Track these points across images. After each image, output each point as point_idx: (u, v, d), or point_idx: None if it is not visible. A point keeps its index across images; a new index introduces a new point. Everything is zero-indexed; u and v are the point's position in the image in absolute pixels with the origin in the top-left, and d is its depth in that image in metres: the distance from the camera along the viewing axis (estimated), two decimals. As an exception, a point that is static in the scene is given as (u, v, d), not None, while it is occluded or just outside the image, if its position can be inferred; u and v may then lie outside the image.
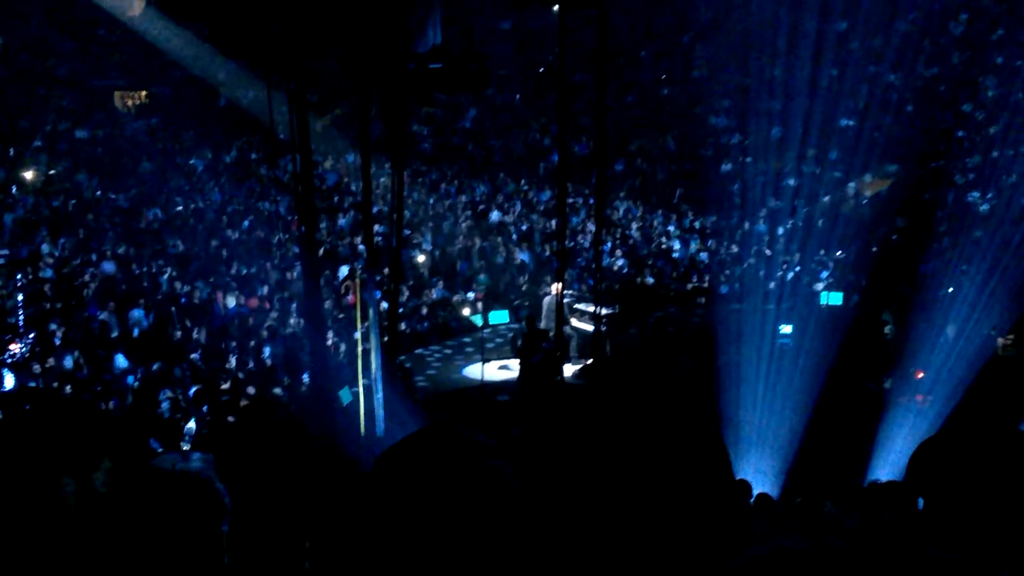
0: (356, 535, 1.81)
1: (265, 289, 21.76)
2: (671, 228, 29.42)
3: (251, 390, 16.59)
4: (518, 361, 18.75)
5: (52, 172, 27.11)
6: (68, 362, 16.57)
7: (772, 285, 24.05)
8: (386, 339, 15.84)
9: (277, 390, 16.95)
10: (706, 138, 32.84)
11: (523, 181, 31.97)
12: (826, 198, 29.16)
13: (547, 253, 26.25)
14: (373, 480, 1.86)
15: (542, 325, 20.04)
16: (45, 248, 21.71)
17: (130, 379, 16.48)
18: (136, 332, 18.68)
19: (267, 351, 18.54)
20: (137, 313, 19.16)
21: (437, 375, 20.77)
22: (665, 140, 34.19)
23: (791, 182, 29.62)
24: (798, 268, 25.26)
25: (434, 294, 23.87)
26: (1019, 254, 20.70)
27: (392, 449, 1.93)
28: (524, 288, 25.21)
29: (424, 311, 23.19)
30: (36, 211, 24.29)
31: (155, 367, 16.86)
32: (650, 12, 37.51)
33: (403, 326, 20.97)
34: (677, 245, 28.28)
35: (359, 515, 1.84)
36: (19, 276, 19.55)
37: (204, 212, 26.01)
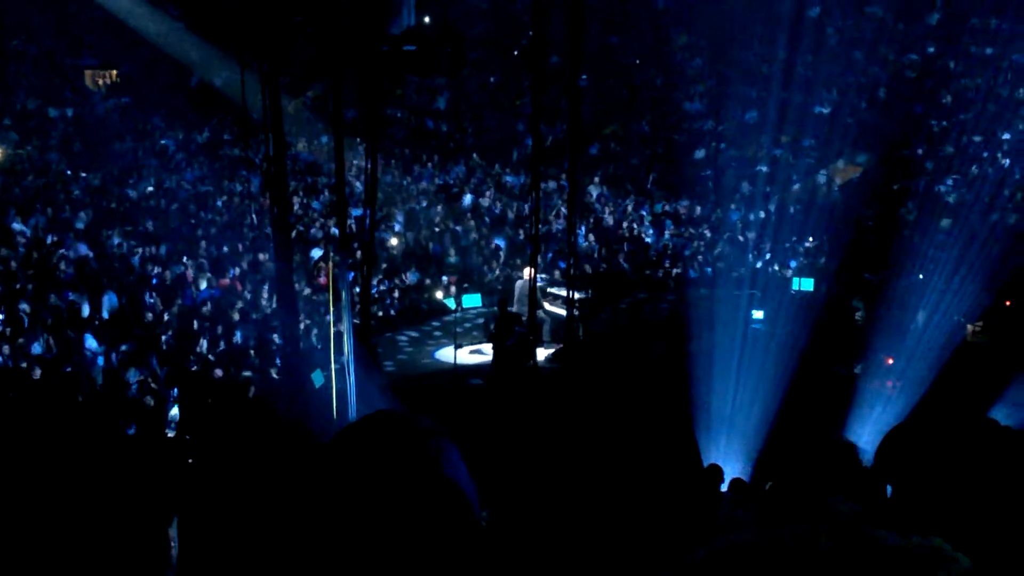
0: (297, 516, 1.80)
1: (236, 271, 21.64)
2: (643, 213, 29.43)
3: (222, 372, 16.52)
4: (491, 345, 18.75)
5: (21, 151, 26.85)
6: (37, 345, 16.44)
7: (744, 271, 24.16)
8: (358, 322, 15.80)
9: (248, 372, 16.87)
10: (680, 123, 32.91)
11: (496, 164, 31.90)
12: (798, 185, 29.28)
13: (520, 237, 26.22)
14: (317, 469, 1.86)
15: (514, 309, 20.03)
16: (16, 227, 21.51)
17: (100, 361, 16.37)
18: (107, 314, 18.54)
19: (238, 333, 18.47)
20: (110, 296, 19.02)
21: (409, 359, 20.73)
22: (639, 125, 34.17)
23: (763, 168, 29.72)
24: (770, 254, 25.37)
25: (408, 278, 23.80)
26: (989, 242, 20.87)
27: (337, 436, 1.93)
28: (497, 272, 25.19)
29: (397, 294, 23.13)
30: (5, 190, 24.05)
31: (124, 348, 16.75)
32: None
33: (375, 309, 20.93)
34: (650, 230, 28.31)
35: (302, 499, 1.82)
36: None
37: (176, 192, 25.83)
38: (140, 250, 21.59)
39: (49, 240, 21.39)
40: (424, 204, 28.19)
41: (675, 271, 25.86)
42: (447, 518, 1.74)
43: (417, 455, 1.83)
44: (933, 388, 15.96)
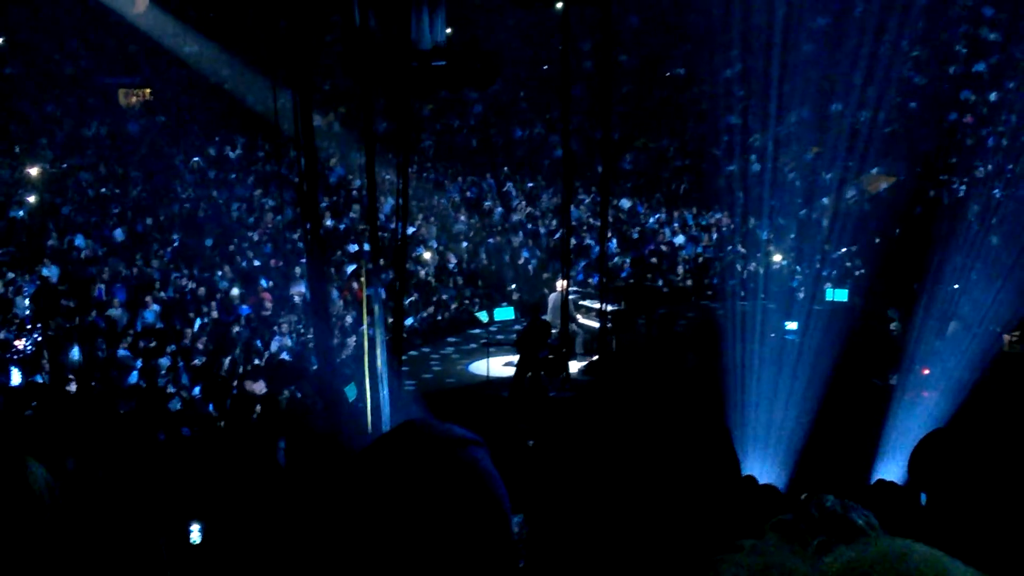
0: (332, 532, 1.81)
1: (270, 284, 21.78)
2: (675, 225, 29.38)
3: (257, 386, 16.60)
4: (518, 352, 18.72)
5: (55, 170, 27.15)
6: (75, 358, 16.61)
7: (777, 281, 24.04)
8: (391, 335, 15.86)
9: (283, 386, 16.95)
10: (714, 136, 32.81)
11: (526, 178, 31.96)
12: (832, 195, 29.12)
13: (551, 246, 26.25)
14: (348, 481, 1.87)
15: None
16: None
17: (134, 376, 16.49)
18: (140, 327, 18.71)
19: (273, 346, 18.57)
20: (150, 311, 19.20)
21: (443, 371, 20.77)
22: (673, 137, 34.14)
23: (795, 179, 29.60)
24: (804, 264, 25.25)
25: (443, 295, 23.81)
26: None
27: (366, 449, 1.93)
28: (531, 285, 25.20)
29: (431, 309, 23.18)
30: (41, 207, 24.33)
31: (161, 361, 16.88)
32: (656, 9, 37.54)
33: (409, 321, 20.99)
34: (682, 241, 28.25)
35: (336, 513, 1.84)
36: (26, 273, 19.63)
37: (209, 208, 26.03)
38: (175, 264, 21.79)
39: (85, 256, 21.62)
40: (456, 218, 28.26)
41: (707, 282, 25.79)
42: (482, 527, 1.75)
43: (450, 464, 1.85)
44: (970, 398, 15.80)
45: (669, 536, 1.90)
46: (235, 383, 16.62)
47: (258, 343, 18.67)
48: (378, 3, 14.27)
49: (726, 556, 1.08)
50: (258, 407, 15.31)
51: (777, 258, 25.73)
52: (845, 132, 29.83)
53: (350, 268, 23.24)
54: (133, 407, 14.95)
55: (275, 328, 19.45)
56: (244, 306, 20.55)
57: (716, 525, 1.94)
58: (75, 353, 16.69)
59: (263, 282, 21.76)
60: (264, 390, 15.86)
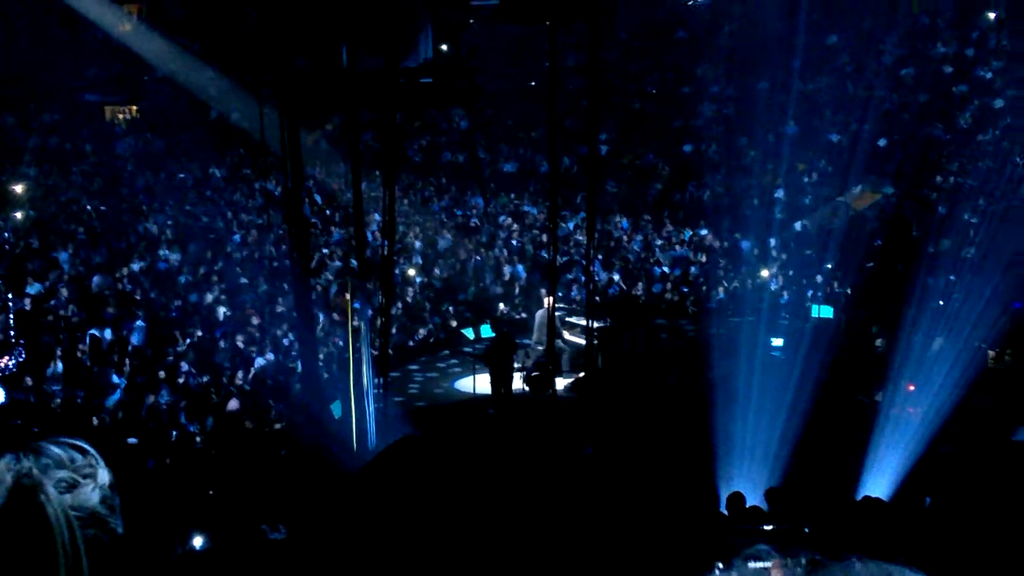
0: (337, 540, 1.81)
1: (255, 302, 21.72)
2: (660, 241, 29.43)
3: (242, 404, 16.55)
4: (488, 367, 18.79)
5: (41, 187, 27.07)
6: (56, 377, 16.55)
7: (763, 298, 24.08)
8: (377, 353, 15.84)
9: (268, 403, 16.91)
10: (696, 151, 32.93)
11: (513, 195, 32.00)
12: (818, 211, 29.25)
13: (538, 261, 26.25)
14: (353, 493, 1.86)
15: (534, 339, 20.05)
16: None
17: (117, 394, 16.41)
18: (128, 347, 18.65)
19: (258, 363, 18.51)
20: (136, 327, 19.15)
21: (428, 388, 20.73)
22: (655, 154, 34.23)
23: (781, 195, 29.72)
24: (789, 281, 25.31)
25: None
26: (1009, 266, 20.76)
27: (370, 464, 1.93)
28: (517, 302, 25.21)
29: (421, 331, 23.15)
30: (25, 225, 24.26)
31: (143, 380, 16.82)
32: (641, 26, 37.74)
33: (394, 339, 20.95)
34: (668, 259, 28.29)
35: (341, 521, 1.83)
36: (8, 293, 19.54)
37: (194, 226, 25.98)
38: (159, 283, 21.73)
39: (69, 273, 21.54)
40: (442, 235, 28.26)
41: (692, 298, 25.82)
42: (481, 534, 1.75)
43: (442, 476, 1.84)
44: (955, 414, 15.85)
45: (644, 551, 1.90)
46: (218, 401, 16.58)
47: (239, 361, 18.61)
48: (367, 21, 14.32)
49: None
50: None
51: (764, 274, 25.77)
52: (832, 149, 30.02)
53: (335, 287, 23.22)
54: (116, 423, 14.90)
55: (259, 347, 19.40)
56: (232, 321, 20.48)
57: (688, 541, 1.94)
58: (56, 372, 16.63)
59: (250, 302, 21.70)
60: (237, 408, 15.82)
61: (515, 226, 29.72)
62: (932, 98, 32.51)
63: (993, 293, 19.71)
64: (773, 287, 25.02)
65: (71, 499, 1.58)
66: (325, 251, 25.55)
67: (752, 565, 1.11)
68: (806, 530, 9.86)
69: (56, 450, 1.66)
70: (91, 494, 1.63)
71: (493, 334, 19.88)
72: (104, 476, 1.69)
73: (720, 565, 1.12)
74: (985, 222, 24.96)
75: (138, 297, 20.91)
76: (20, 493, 1.41)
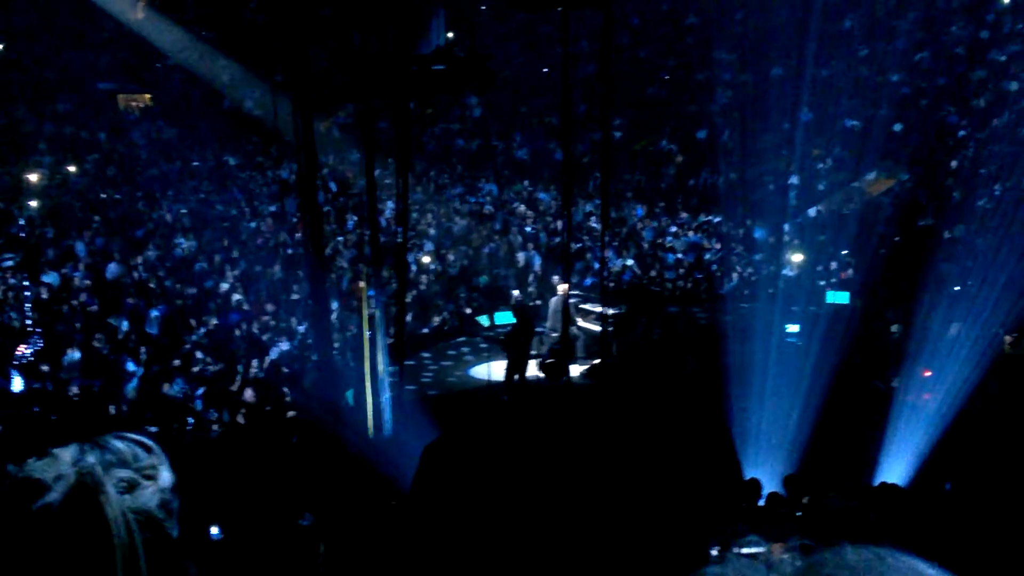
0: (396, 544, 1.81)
1: (271, 289, 21.77)
2: (673, 229, 29.38)
3: (257, 393, 16.59)
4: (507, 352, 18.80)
5: (58, 176, 27.16)
6: (74, 366, 16.60)
7: (778, 284, 24.02)
8: (392, 340, 15.85)
9: (284, 391, 16.95)
10: (709, 138, 32.83)
11: (527, 182, 31.99)
12: (832, 197, 29.14)
13: (550, 246, 26.23)
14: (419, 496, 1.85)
15: (548, 325, 20.04)
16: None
17: (134, 382, 16.46)
18: (144, 335, 18.71)
19: (274, 352, 18.55)
20: (152, 316, 19.20)
21: (443, 375, 20.75)
22: (668, 141, 34.17)
23: (795, 181, 29.62)
24: (804, 267, 25.23)
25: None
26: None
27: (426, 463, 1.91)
28: (531, 289, 25.19)
29: (435, 320, 23.17)
30: (40, 213, 24.35)
31: (158, 369, 16.88)
32: (655, 13, 37.64)
33: (409, 327, 20.97)
34: (683, 245, 28.25)
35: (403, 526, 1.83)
36: (26, 280, 19.62)
37: (209, 214, 26.04)
38: (175, 272, 21.79)
39: (85, 262, 21.62)
40: (455, 222, 28.26)
41: (706, 285, 25.77)
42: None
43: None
44: (971, 400, 15.80)
45: (662, 536, 1.90)
46: (235, 390, 16.62)
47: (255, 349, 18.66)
48: (380, 18, 14.28)
49: None
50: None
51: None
52: (847, 135, 29.89)
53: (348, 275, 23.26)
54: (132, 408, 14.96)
55: (274, 335, 19.44)
56: (247, 310, 20.53)
57: (712, 523, 1.93)
58: (73, 360, 16.69)
59: (265, 291, 21.75)
60: (253, 398, 15.85)
61: (529, 213, 29.70)
62: (947, 82, 32.33)
63: (1009, 278, 19.61)
64: (786, 274, 24.94)
65: (131, 500, 1.55)
66: (339, 239, 25.57)
67: (745, 552, 1.11)
68: (798, 514, 9.87)
69: (120, 446, 1.63)
70: (151, 496, 1.59)
71: (514, 320, 19.88)
72: (166, 478, 1.65)
73: (714, 554, 1.12)
74: (1001, 207, 24.84)
75: (153, 286, 20.96)
76: (81, 492, 1.39)
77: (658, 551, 1.91)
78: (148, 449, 1.66)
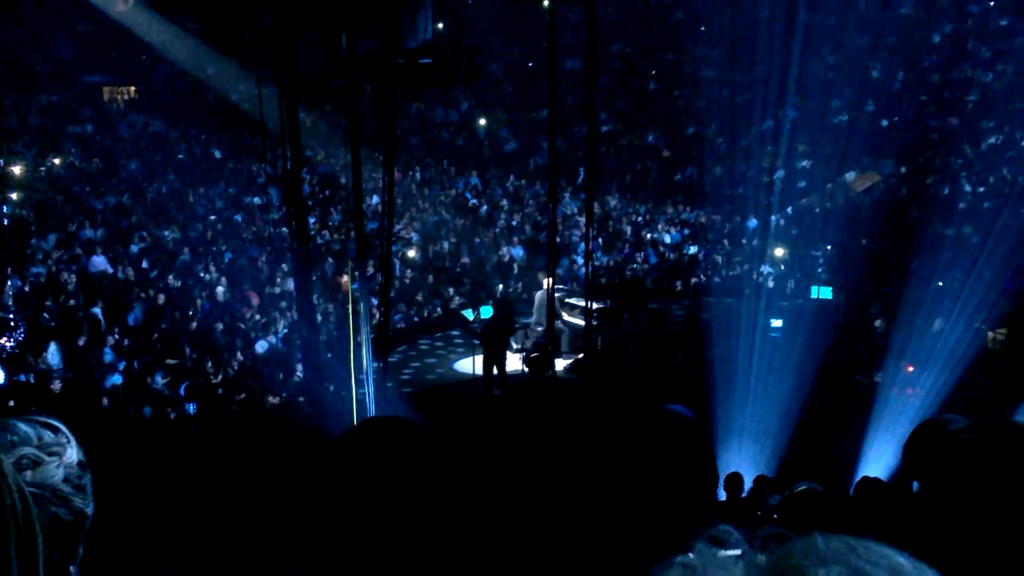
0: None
1: (255, 284, 21.72)
2: (660, 223, 29.43)
3: (242, 386, 16.56)
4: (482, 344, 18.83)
5: (42, 168, 27.02)
6: (55, 359, 16.52)
7: (762, 279, 24.08)
8: (377, 333, 15.84)
9: (268, 385, 16.91)
10: (696, 134, 32.87)
11: (512, 175, 31.99)
12: (815, 194, 29.22)
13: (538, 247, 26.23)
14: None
15: (534, 319, 20.04)
16: (42, 245, 21.64)
17: (117, 377, 16.39)
18: (127, 327, 18.63)
19: (258, 347, 18.51)
20: (136, 308, 19.12)
21: (427, 369, 20.75)
22: (654, 136, 34.20)
23: (780, 174, 29.68)
24: (788, 262, 25.29)
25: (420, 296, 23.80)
26: (1010, 247, 20.74)
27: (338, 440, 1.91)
28: (516, 283, 25.20)
29: (415, 306, 23.16)
30: (25, 207, 24.22)
31: (143, 361, 16.82)
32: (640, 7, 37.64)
33: (395, 319, 20.96)
34: (668, 240, 28.29)
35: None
36: (7, 273, 19.53)
37: (193, 206, 25.96)
38: (159, 264, 21.70)
39: (65, 255, 21.51)
40: (441, 216, 28.24)
41: (693, 280, 25.82)
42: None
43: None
44: (954, 395, 15.87)
45: (636, 529, 1.90)
46: (217, 383, 16.58)
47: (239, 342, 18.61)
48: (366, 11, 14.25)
49: (654, 573, 1.07)
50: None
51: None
52: (831, 130, 29.94)
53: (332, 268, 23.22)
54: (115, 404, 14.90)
55: (258, 327, 19.39)
56: (232, 302, 20.46)
57: (684, 519, 1.93)
58: (54, 352, 16.60)
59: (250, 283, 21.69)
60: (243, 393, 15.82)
61: (514, 206, 29.71)
62: (931, 80, 32.42)
63: (993, 274, 19.70)
64: (770, 269, 24.99)
65: (31, 475, 1.60)
66: (324, 232, 25.53)
67: (714, 547, 1.11)
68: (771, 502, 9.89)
69: (24, 427, 1.68)
70: (55, 471, 1.64)
71: (492, 314, 19.88)
72: (72, 455, 1.71)
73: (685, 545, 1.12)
74: (987, 203, 24.95)
75: (137, 278, 20.88)
76: None
77: (628, 545, 1.91)
78: (55, 430, 1.72)
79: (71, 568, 1.67)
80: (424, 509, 1.74)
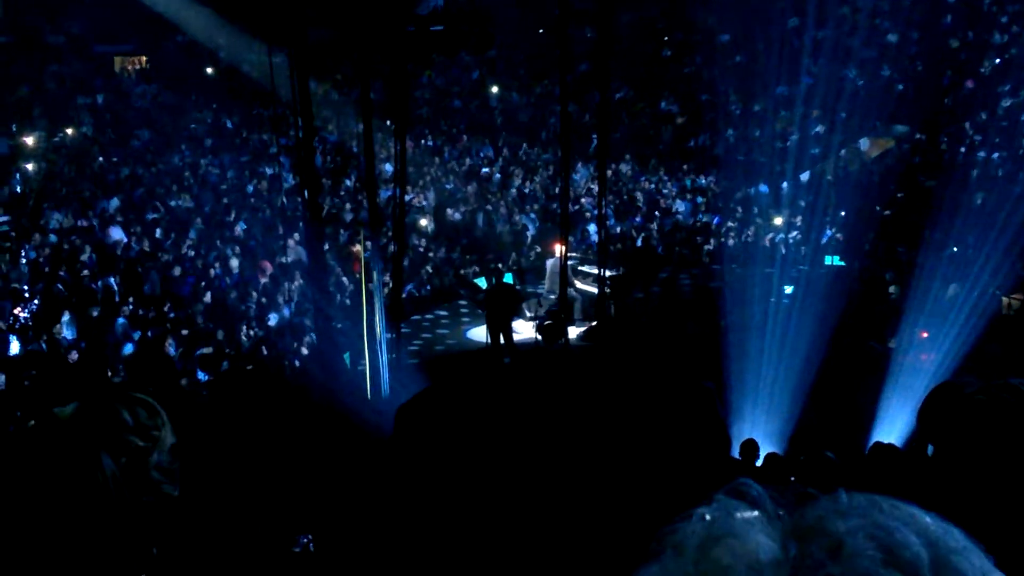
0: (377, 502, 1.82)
1: (268, 254, 21.73)
2: (674, 189, 29.32)
3: (256, 354, 16.60)
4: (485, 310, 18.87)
5: (55, 139, 27.04)
6: (70, 330, 16.58)
7: (776, 246, 23.99)
8: (390, 302, 15.86)
9: (282, 354, 16.96)
10: (711, 100, 32.65)
11: (524, 144, 31.87)
12: (831, 158, 29.04)
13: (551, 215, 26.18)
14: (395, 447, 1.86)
15: (546, 287, 20.03)
16: (56, 217, 21.67)
17: (129, 346, 16.44)
18: (141, 297, 18.67)
19: (272, 316, 18.55)
20: (151, 278, 19.16)
21: (440, 337, 20.78)
22: (667, 102, 34.02)
23: (794, 139, 29.50)
24: (802, 229, 25.17)
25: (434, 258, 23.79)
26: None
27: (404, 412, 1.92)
28: (529, 252, 25.18)
29: (427, 275, 23.15)
30: (37, 177, 24.25)
31: (157, 331, 16.86)
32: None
33: (408, 288, 20.98)
34: (681, 207, 28.19)
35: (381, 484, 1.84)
36: (24, 243, 19.59)
37: (207, 176, 25.95)
38: (173, 234, 21.72)
39: (81, 223, 21.56)
40: (453, 184, 28.20)
41: (706, 247, 25.73)
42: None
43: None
44: (968, 360, 15.82)
45: (647, 496, 1.90)
46: (231, 354, 16.63)
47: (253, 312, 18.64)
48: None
49: (675, 525, 1.07)
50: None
51: (778, 221, 25.62)
52: (846, 95, 29.70)
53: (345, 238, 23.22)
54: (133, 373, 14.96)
55: (271, 297, 19.42)
56: (245, 273, 20.48)
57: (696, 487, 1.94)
58: (68, 323, 16.66)
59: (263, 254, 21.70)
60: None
61: (526, 175, 29.64)
62: (949, 43, 32.12)
63: (1008, 240, 19.59)
64: (784, 236, 24.88)
65: (126, 462, 1.64)
66: (336, 201, 25.52)
67: (734, 500, 1.11)
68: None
69: (123, 412, 1.71)
70: (153, 458, 1.70)
71: (511, 283, 19.89)
72: (167, 438, 1.73)
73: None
74: (1002, 168, 24.78)
75: (151, 248, 20.91)
76: (79, 455, 1.44)
77: (647, 499, 1.91)
78: (150, 410, 1.74)
79: (153, 550, 1.71)
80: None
